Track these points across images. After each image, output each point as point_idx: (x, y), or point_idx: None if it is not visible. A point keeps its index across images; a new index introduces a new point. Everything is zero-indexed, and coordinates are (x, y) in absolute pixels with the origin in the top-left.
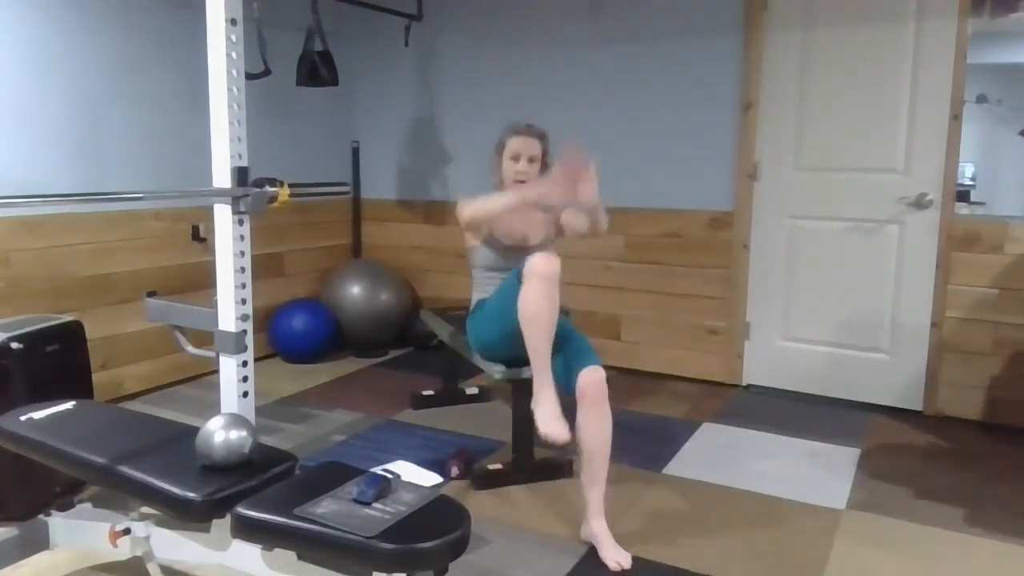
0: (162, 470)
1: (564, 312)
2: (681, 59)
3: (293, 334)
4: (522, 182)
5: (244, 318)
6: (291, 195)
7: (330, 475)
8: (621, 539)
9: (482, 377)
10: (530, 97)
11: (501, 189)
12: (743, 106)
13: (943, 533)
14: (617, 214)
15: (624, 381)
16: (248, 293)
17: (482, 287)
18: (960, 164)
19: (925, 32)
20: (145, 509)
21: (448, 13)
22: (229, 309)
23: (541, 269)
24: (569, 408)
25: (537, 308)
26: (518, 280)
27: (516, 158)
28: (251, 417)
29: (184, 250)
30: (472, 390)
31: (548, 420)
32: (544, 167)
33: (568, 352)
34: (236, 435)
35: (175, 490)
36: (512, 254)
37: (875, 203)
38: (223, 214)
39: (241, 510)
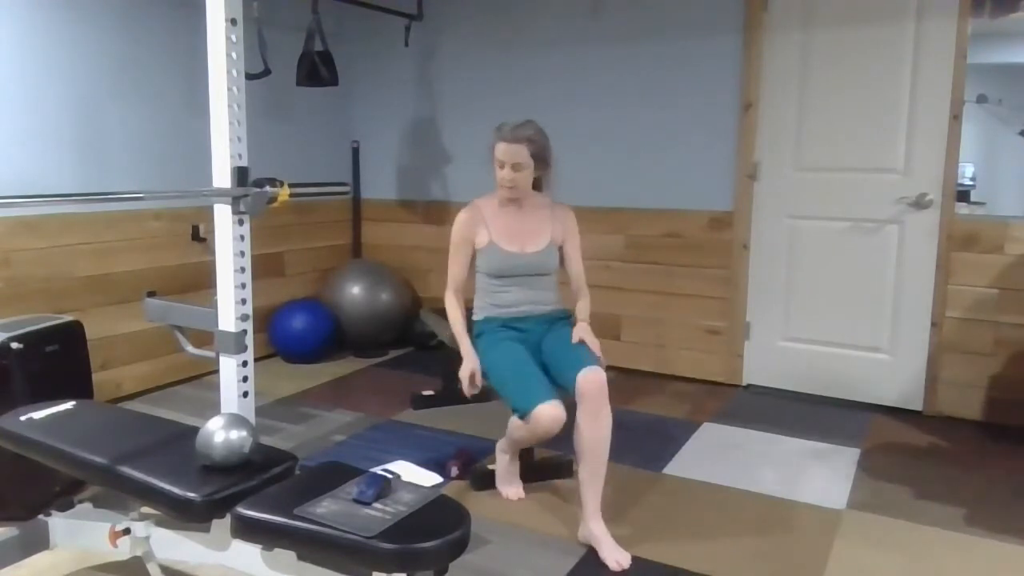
0: (162, 470)
1: (564, 313)
2: (681, 59)
3: (293, 334)
4: (511, 187)
5: (244, 318)
6: (291, 195)
7: (330, 475)
8: (621, 539)
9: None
10: (530, 97)
11: (495, 192)
12: (743, 106)
13: (943, 533)
14: (617, 214)
15: (624, 381)
16: (248, 293)
17: (486, 293)
18: (960, 164)
19: (925, 32)
20: (145, 509)
21: (448, 13)
22: (229, 309)
23: (548, 427)
24: (570, 409)
25: (525, 441)
26: (519, 416)
27: (501, 165)
28: (251, 417)
29: (184, 250)
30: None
31: (503, 486)
32: (545, 166)
33: (567, 353)
34: (236, 435)
35: (175, 490)
36: (514, 263)
37: (875, 203)
38: (223, 214)
39: (241, 510)
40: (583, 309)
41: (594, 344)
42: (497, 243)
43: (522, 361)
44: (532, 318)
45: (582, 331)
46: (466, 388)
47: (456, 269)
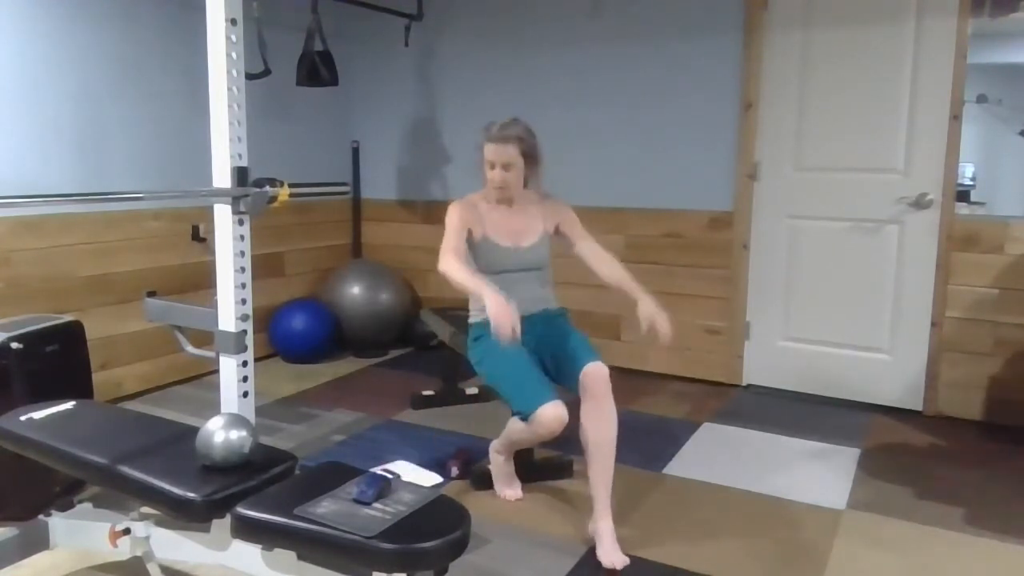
0: (162, 470)
1: (562, 311)
2: (681, 59)
3: (293, 334)
4: (502, 188)
5: (244, 318)
6: (291, 195)
7: (330, 475)
8: (621, 540)
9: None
10: (530, 97)
11: (485, 191)
12: (743, 106)
13: (943, 533)
14: (617, 214)
15: (624, 381)
16: (248, 293)
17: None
18: (960, 164)
19: (925, 32)
20: (145, 509)
21: (448, 13)
22: (229, 309)
23: (551, 427)
24: (572, 408)
25: (526, 442)
26: (520, 417)
27: (491, 166)
28: (251, 417)
29: (184, 250)
30: (472, 390)
31: (501, 487)
32: (535, 164)
33: (568, 349)
34: (236, 435)
35: (175, 490)
36: (507, 258)
37: (875, 203)
38: (223, 214)
39: (241, 510)
40: (622, 276)
41: (663, 321)
42: (491, 238)
43: (522, 361)
44: (529, 317)
45: (649, 309)
46: (505, 334)
47: (454, 242)
